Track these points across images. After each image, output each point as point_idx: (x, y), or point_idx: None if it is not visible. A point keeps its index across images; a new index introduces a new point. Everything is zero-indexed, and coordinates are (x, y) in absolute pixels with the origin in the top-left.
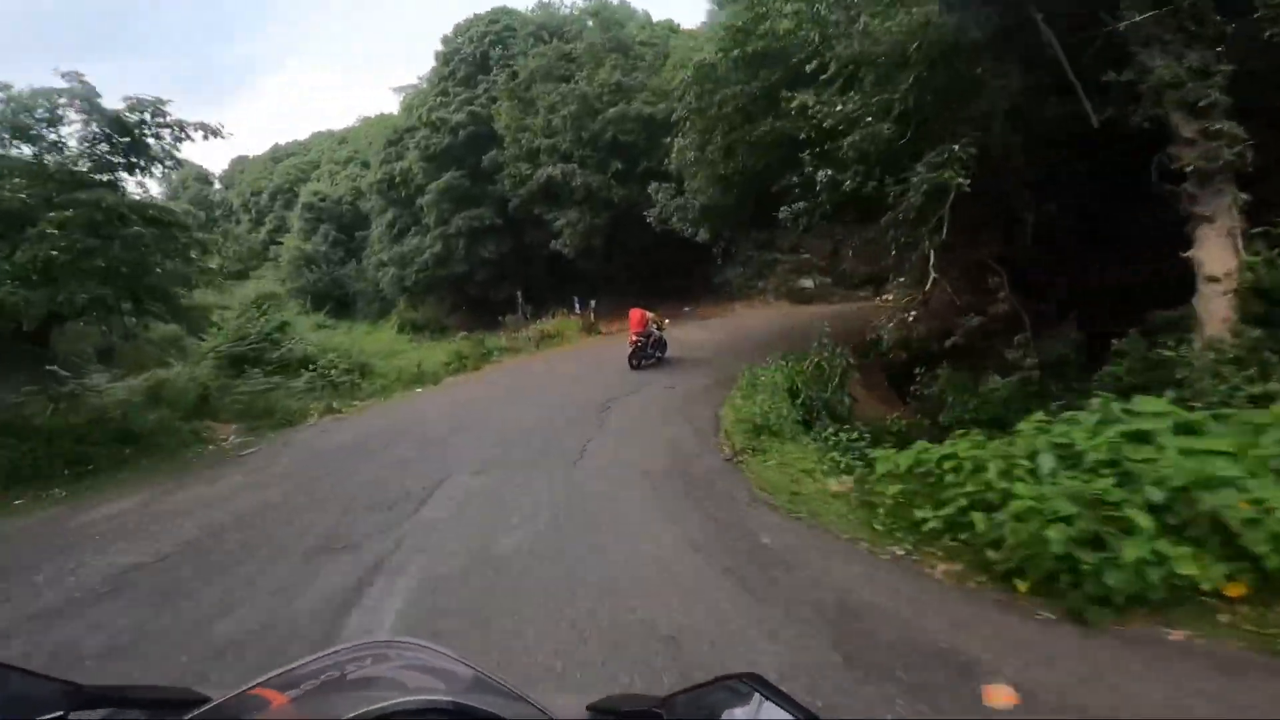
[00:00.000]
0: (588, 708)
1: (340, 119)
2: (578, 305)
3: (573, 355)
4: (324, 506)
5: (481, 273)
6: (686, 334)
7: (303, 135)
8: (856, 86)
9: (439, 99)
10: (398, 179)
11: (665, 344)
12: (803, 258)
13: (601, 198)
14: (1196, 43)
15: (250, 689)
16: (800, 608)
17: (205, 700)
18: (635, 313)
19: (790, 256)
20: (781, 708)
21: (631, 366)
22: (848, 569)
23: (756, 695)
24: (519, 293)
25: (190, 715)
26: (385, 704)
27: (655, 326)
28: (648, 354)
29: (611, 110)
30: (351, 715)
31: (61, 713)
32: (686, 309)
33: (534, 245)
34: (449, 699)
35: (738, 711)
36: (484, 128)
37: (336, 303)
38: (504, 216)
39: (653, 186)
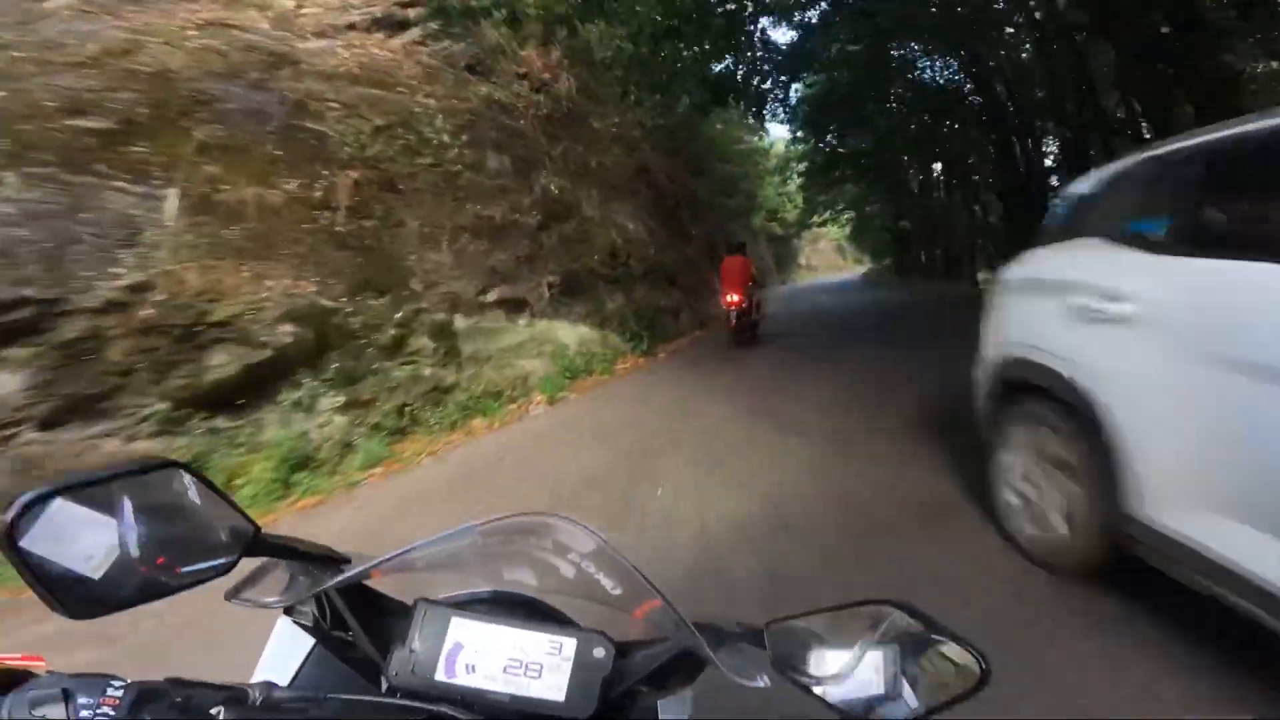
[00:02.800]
0: (693, 623)
1: None
2: None
3: None
4: None
5: None
6: None
7: None
8: None
9: None
10: None
11: (763, 305)
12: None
13: None
14: None
15: (383, 559)
16: None
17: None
18: (736, 263)
19: None
20: (925, 625)
21: (737, 344)
22: None
23: (891, 615)
24: None
25: (344, 575)
26: (469, 592)
27: (755, 284)
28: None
29: None
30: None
31: (236, 556)
32: None
33: None
34: (534, 595)
35: (851, 634)
36: None
37: None
38: None
39: None
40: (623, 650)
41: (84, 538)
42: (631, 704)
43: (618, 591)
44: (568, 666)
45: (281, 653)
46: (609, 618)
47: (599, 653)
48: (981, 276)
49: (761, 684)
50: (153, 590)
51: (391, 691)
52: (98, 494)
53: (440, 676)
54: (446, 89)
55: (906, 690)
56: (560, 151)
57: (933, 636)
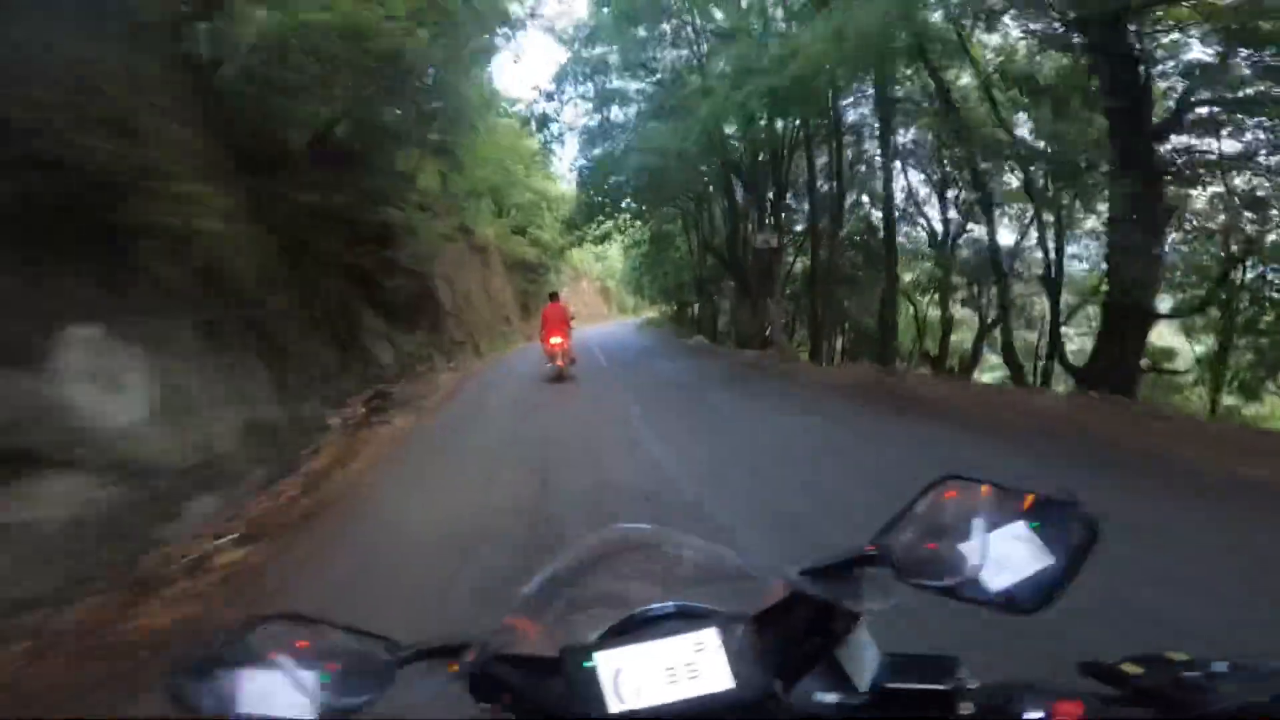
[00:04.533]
0: (800, 572)
1: None
2: None
3: None
4: None
5: None
6: None
7: None
8: None
9: None
10: None
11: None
12: None
13: None
14: None
15: (506, 620)
16: None
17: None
18: (557, 309)
19: None
20: (1003, 488)
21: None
22: None
23: (973, 490)
24: None
25: (469, 658)
26: (615, 621)
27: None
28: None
29: None
30: (590, 639)
31: (392, 675)
32: None
33: None
34: (672, 604)
35: (955, 522)
36: None
37: None
38: None
39: None
40: (767, 619)
41: (259, 686)
42: (808, 663)
43: (735, 571)
44: (721, 656)
45: None
46: (743, 594)
47: (741, 631)
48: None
49: (892, 603)
50: (345, 716)
51: None
52: (241, 650)
53: (614, 708)
54: None
55: (1033, 559)
56: None
57: (1020, 492)
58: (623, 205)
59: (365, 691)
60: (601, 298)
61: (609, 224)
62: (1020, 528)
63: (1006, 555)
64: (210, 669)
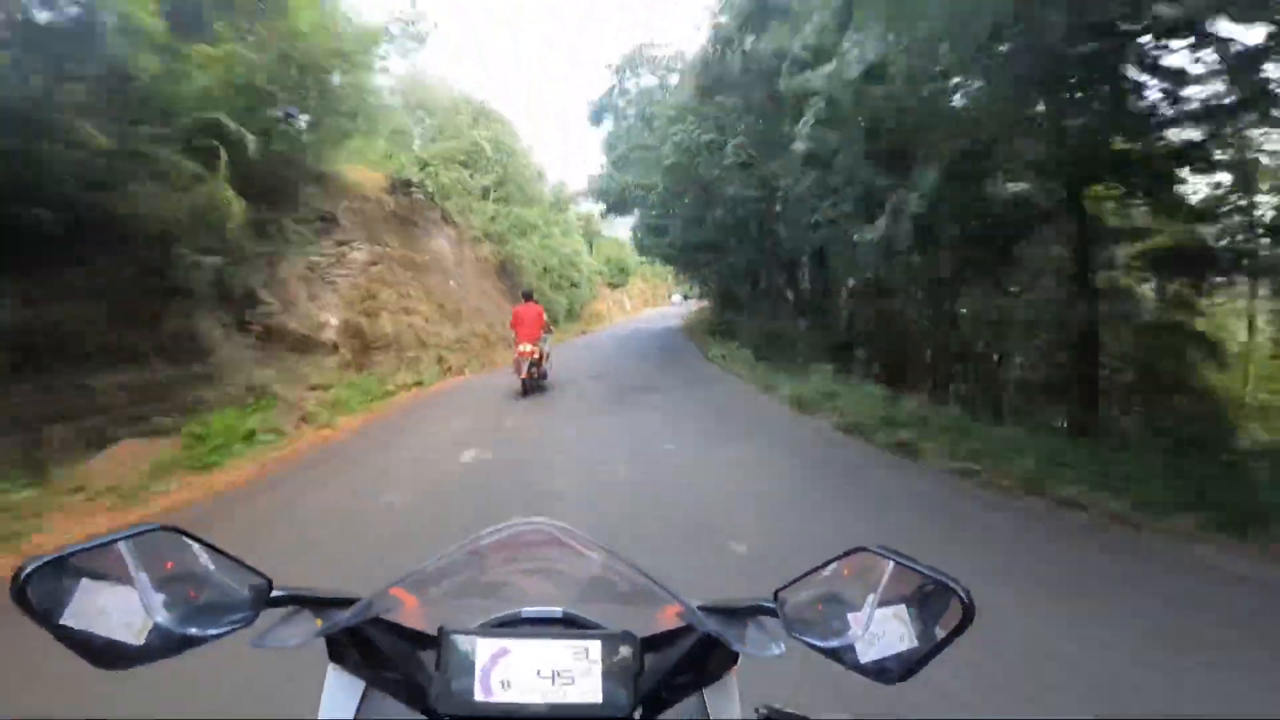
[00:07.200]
0: (699, 607)
1: None
2: None
3: None
4: None
5: None
6: None
7: None
8: None
9: None
10: None
11: (549, 359)
12: None
13: None
14: None
15: (389, 588)
16: None
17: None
18: (531, 311)
19: None
20: (908, 567)
21: (525, 392)
22: None
23: (879, 563)
24: None
25: (345, 615)
26: (498, 615)
27: (548, 331)
28: (543, 373)
29: None
30: (474, 627)
31: (256, 611)
32: None
33: None
34: (560, 610)
35: (851, 592)
36: None
37: None
38: None
39: None
40: (651, 644)
41: (103, 599)
42: (676, 695)
43: (634, 588)
44: (597, 669)
45: (336, 701)
46: (634, 615)
47: (625, 650)
48: None
49: (777, 651)
50: (181, 644)
51: (438, 717)
52: (104, 558)
53: (479, 696)
54: None
55: (905, 636)
56: None
57: (919, 573)
58: None
59: (219, 625)
60: (496, 278)
61: None
62: (902, 610)
63: (883, 631)
64: (64, 573)
